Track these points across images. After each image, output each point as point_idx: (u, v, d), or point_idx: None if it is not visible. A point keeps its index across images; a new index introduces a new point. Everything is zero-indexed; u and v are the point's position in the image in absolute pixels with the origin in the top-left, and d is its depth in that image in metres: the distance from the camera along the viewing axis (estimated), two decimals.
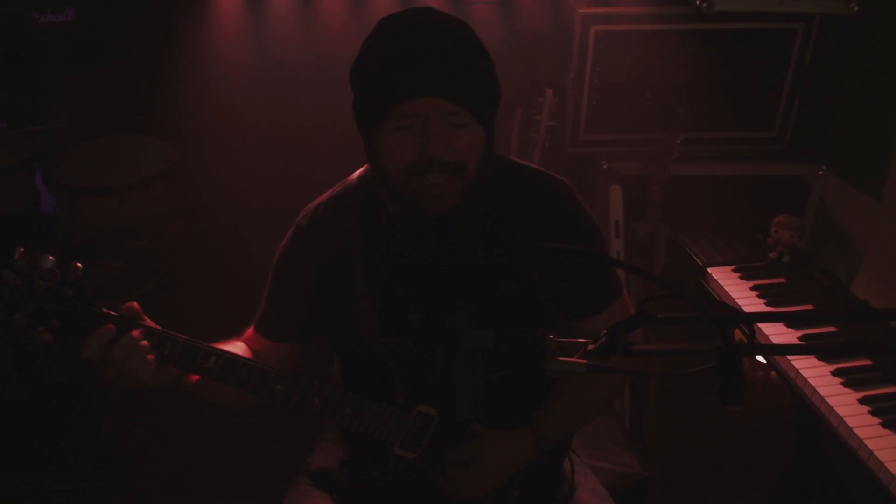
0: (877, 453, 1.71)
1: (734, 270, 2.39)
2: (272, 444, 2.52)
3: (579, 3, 2.72)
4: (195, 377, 1.48)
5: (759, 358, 2.44)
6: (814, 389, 1.91)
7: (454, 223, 1.46)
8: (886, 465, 1.68)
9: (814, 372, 1.95)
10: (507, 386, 1.60)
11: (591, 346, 1.30)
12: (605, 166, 2.82)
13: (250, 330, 1.67)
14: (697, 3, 2.57)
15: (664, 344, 1.29)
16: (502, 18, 2.84)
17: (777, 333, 2.08)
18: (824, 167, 2.77)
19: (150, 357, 1.35)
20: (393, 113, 1.37)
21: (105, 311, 1.36)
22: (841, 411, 1.83)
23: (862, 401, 1.87)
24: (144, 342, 1.35)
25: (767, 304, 2.23)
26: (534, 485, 1.68)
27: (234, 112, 3.19)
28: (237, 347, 1.62)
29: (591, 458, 2.30)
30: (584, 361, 1.29)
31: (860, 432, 1.77)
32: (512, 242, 1.53)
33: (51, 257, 1.33)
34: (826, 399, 1.87)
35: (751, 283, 2.32)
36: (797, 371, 1.97)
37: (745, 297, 2.25)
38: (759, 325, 2.11)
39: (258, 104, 3.17)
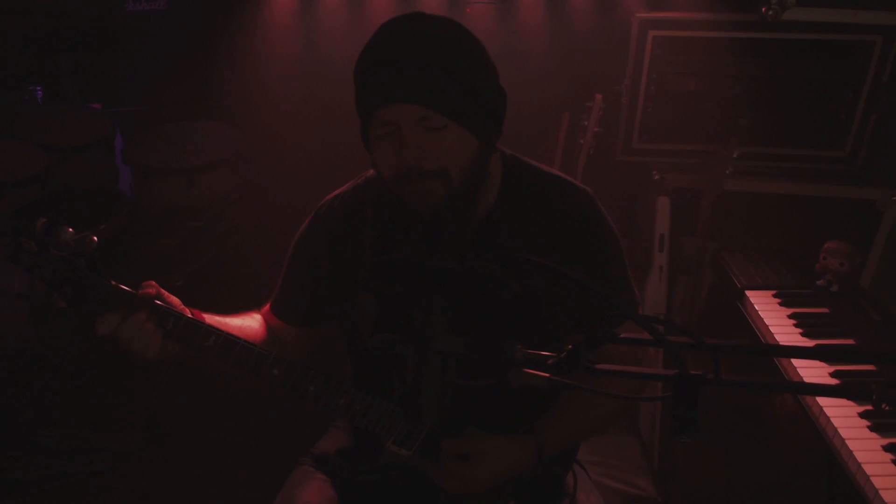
0: None
1: (774, 296, 2.25)
2: (297, 423, 2.58)
3: (637, 7, 2.63)
4: None
5: None
6: (835, 430, 1.77)
7: (443, 224, 1.45)
8: None
9: (839, 411, 1.81)
10: (509, 393, 1.58)
11: (550, 361, 1.27)
12: (657, 177, 2.72)
13: (266, 306, 1.71)
14: (763, 10, 2.43)
15: (625, 366, 1.24)
16: (551, 20, 2.78)
17: (808, 367, 1.95)
18: None
19: (156, 337, 1.39)
20: (372, 122, 1.39)
21: (113, 283, 1.42)
22: (860, 457, 1.69)
23: (887, 448, 1.72)
24: (149, 323, 1.38)
25: (804, 335, 2.08)
26: (531, 496, 1.65)
27: (296, 104, 3.30)
28: (255, 320, 1.66)
29: (603, 476, 2.24)
30: (547, 375, 1.27)
31: (877, 482, 1.63)
32: (502, 249, 1.51)
33: (70, 229, 1.41)
34: (847, 442, 1.74)
35: (789, 311, 2.17)
36: (821, 409, 1.84)
37: (779, 326, 2.11)
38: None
39: (318, 98, 3.26)
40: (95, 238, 1.42)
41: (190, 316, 1.43)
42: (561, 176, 1.59)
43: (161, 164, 3.30)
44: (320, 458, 1.77)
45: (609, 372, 1.21)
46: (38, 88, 3.50)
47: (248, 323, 1.63)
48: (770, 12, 2.42)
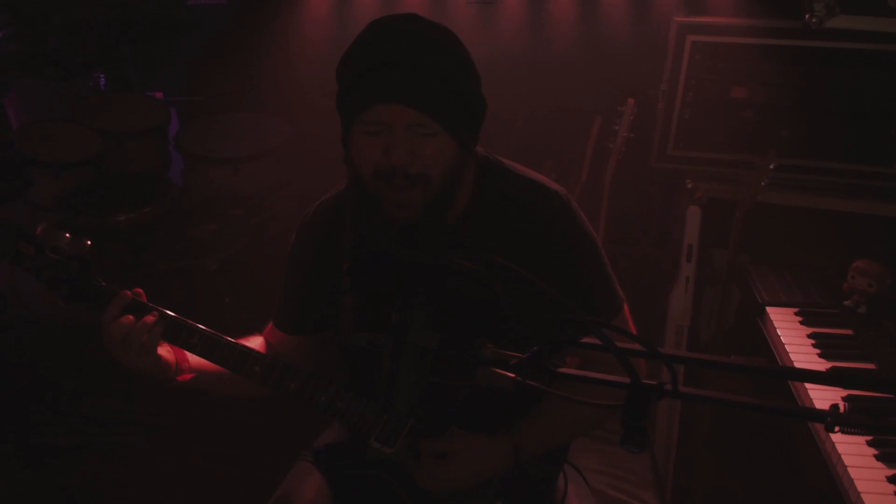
0: None
1: (797, 314, 2.15)
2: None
3: (675, 11, 2.57)
4: (188, 375, 1.57)
5: None
6: (839, 456, 1.69)
7: (418, 231, 1.45)
8: None
9: (846, 437, 1.73)
10: (491, 394, 1.58)
11: (512, 362, 1.27)
12: (690, 185, 2.65)
13: (270, 324, 1.76)
14: (806, 17, 2.34)
15: (587, 371, 1.22)
16: (584, 21, 2.73)
17: (820, 389, 1.86)
18: None
19: (157, 329, 1.47)
20: (361, 117, 1.38)
21: (104, 284, 1.51)
22: (861, 486, 1.61)
23: (891, 479, 1.63)
24: (150, 317, 1.47)
25: (821, 356, 1.99)
26: (518, 497, 1.65)
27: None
28: (253, 342, 1.70)
29: (606, 486, 2.21)
30: (513, 375, 1.27)
31: None
32: (473, 250, 1.51)
33: (67, 234, 1.52)
34: (849, 469, 1.65)
35: (809, 331, 2.08)
36: (827, 433, 1.75)
37: (796, 345, 2.03)
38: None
39: None
40: (89, 242, 1.52)
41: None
42: (533, 177, 1.57)
43: (208, 152, 3.43)
44: (317, 453, 1.81)
45: (568, 375, 1.20)
46: (102, 76, 3.69)
47: (248, 344, 1.64)
48: (814, 19, 2.32)
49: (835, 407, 1.03)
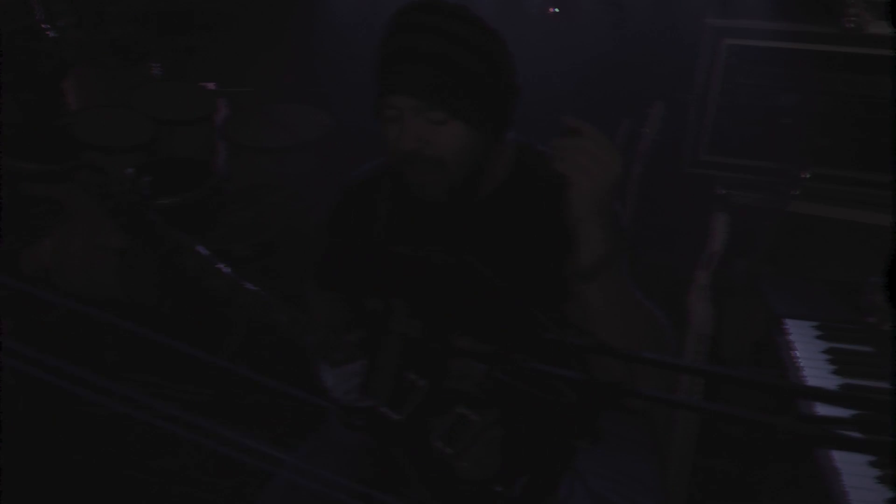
0: None
1: (814, 327, 2.09)
2: None
3: (708, 14, 2.52)
4: None
5: None
6: (838, 473, 1.65)
7: (441, 213, 1.53)
8: None
9: (847, 456, 1.67)
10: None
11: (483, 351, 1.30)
12: (720, 192, 2.60)
13: (309, 277, 1.89)
14: (845, 22, 2.27)
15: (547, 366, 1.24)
16: (613, 23, 2.70)
17: (832, 407, 1.81)
18: None
19: None
20: (381, 104, 1.49)
21: (156, 220, 1.66)
22: None
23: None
24: None
25: (834, 373, 1.93)
26: (519, 486, 1.67)
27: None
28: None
29: (609, 491, 2.19)
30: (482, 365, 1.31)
31: None
32: (499, 235, 1.55)
33: (130, 170, 1.69)
34: (847, 491, 1.61)
35: (826, 346, 2.02)
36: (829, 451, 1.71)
37: (810, 359, 1.97)
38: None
39: None
40: (148, 179, 1.69)
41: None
42: None
43: (251, 142, 3.53)
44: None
45: (533, 368, 1.23)
46: (157, 65, 3.83)
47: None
48: (852, 25, 2.25)
49: (792, 417, 1.01)
